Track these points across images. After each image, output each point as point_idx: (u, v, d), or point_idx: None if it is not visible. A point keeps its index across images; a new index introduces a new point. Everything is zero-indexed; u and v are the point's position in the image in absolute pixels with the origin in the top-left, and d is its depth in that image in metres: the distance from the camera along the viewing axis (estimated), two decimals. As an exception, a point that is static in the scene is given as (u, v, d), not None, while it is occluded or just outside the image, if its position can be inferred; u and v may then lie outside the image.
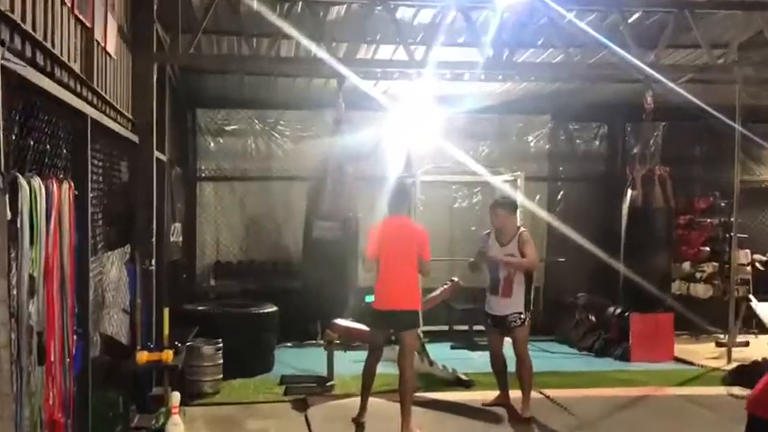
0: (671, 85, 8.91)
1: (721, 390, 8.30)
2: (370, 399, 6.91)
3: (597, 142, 13.29)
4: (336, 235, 8.36)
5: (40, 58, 4.04)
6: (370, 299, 7.03)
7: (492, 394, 7.62)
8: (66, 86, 4.40)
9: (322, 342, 9.17)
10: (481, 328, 10.48)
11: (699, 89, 9.48)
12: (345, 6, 8.35)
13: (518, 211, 8.10)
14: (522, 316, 7.17)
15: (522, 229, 7.52)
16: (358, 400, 6.88)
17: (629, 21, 8.55)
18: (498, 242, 7.31)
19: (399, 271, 6.60)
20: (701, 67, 9.10)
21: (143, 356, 6.41)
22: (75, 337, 4.15)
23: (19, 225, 3.23)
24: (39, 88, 3.73)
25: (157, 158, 7.82)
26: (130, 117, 7.14)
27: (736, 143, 9.41)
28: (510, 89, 11.27)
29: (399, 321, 6.67)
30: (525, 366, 7.25)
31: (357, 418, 6.78)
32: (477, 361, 9.41)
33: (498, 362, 7.53)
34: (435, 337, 11.18)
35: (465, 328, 11.26)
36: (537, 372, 8.88)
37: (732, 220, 10.09)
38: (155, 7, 7.67)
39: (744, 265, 11.29)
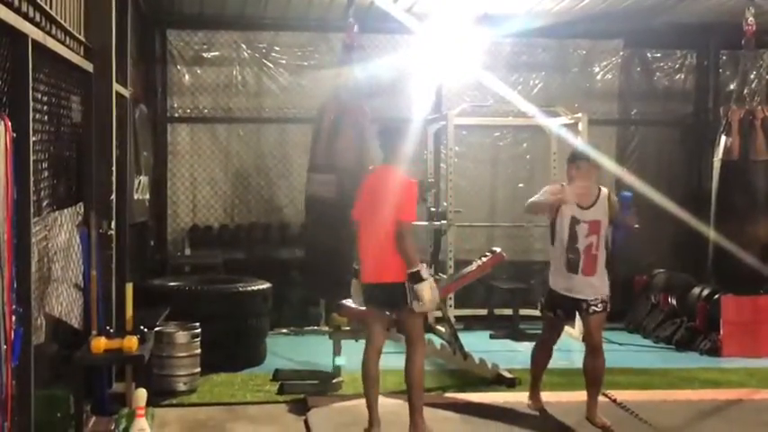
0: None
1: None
2: (389, 400, 6.89)
3: (682, 76, 13.15)
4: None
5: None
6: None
7: (544, 394, 7.59)
8: (-1, -2, 4.38)
9: (326, 328, 9.21)
10: (529, 312, 10.58)
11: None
12: None
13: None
14: (606, 300, 7.09)
15: (603, 188, 7.29)
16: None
17: None
18: (581, 206, 7.20)
19: (380, 234, 6.44)
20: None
21: (100, 344, 6.43)
22: (13, 318, 4.18)
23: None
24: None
25: (117, 93, 7.81)
26: (83, 39, 7.11)
27: None
28: (570, 6, 11.12)
29: (389, 298, 6.50)
30: (600, 360, 7.18)
31: (369, 430, 6.63)
32: (524, 354, 9.42)
33: (546, 356, 7.57)
34: (471, 323, 11.24)
35: (508, 312, 11.27)
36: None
37: None
38: None
39: None
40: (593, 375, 7.14)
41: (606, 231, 7.21)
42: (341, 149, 8.34)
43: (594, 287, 7.09)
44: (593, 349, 7.14)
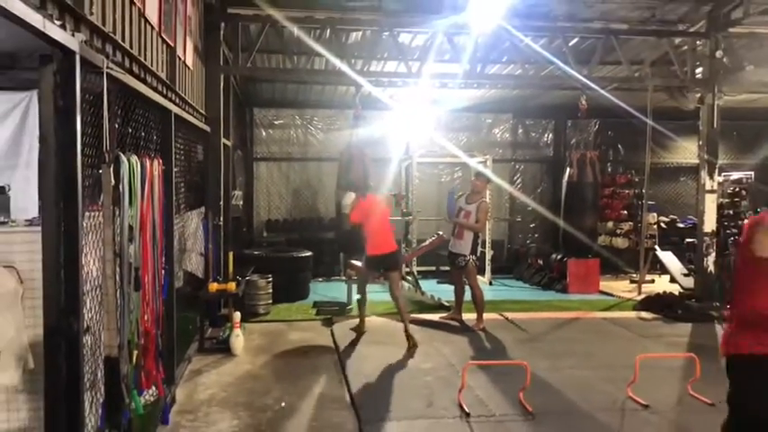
0: (601, 91, 8.81)
1: (633, 314, 8.29)
2: (379, 319, 6.90)
3: (546, 134, 13.14)
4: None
5: (135, 68, 4.01)
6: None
7: (465, 316, 7.59)
8: (155, 89, 4.37)
9: (344, 277, 9.20)
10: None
11: (621, 95, 9.37)
12: (361, 32, 8.32)
13: (488, 185, 7.98)
14: (466, 258, 7.14)
15: (485, 199, 7.43)
16: (368, 319, 6.86)
17: (570, 44, 8.48)
18: (466, 201, 7.35)
19: (381, 229, 6.62)
20: (622, 78, 8.99)
21: (213, 287, 6.44)
22: (163, 271, 4.16)
23: (120, 190, 3.22)
24: (135, 91, 3.70)
25: (224, 143, 7.80)
26: (204, 113, 7.10)
27: (648, 135, 9.30)
28: (482, 94, 11.15)
29: (386, 261, 6.61)
30: (476, 294, 7.24)
31: (357, 327, 6.83)
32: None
33: (456, 289, 7.59)
34: (426, 275, 11.22)
35: (447, 268, 11.22)
36: (499, 300, 9.00)
37: (643, 191, 9.99)
38: (221, 32, 7.64)
39: (651, 224, 11.25)
40: (475, 303, 7.26)
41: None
42: (352, 175, 8.34)
43: (459, 247, 7.19)
44: (470, 288, 7.29)
